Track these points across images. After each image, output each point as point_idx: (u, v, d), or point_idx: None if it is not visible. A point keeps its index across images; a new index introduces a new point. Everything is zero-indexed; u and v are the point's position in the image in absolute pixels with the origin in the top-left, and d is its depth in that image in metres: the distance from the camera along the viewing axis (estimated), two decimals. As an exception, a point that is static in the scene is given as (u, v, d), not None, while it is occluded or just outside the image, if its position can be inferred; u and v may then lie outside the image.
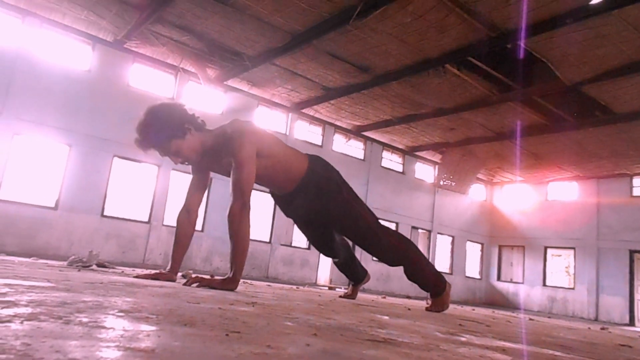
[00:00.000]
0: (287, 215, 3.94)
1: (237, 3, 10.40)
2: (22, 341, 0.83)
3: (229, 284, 2.93)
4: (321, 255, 17.24)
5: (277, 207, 3.84)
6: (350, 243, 4.23)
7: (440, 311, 3.88)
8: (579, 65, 11.21)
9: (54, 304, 1.30)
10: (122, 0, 11.00)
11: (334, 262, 4.45)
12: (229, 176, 3.20)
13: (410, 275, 3.84)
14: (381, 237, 3.65)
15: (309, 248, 16.86)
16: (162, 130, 3.04)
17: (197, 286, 2.84)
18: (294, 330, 1.37)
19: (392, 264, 3.88)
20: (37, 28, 12.06)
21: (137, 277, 3.53)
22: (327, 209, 3.58)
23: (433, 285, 3.84)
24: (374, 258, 4.04)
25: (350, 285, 4.62)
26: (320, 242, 4.15)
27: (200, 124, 3.23)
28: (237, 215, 3.00)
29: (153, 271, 3.73)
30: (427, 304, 4.01)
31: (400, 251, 3.72)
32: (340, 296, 4.54)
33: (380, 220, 3.80)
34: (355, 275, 4.51)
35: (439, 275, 3.88)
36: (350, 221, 3.61)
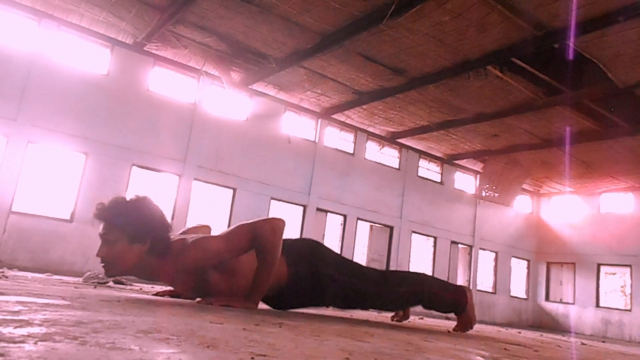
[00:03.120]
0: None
1: (263, 2, 10.49)
2: (35, 363, 0.83)
3: (249, 302, 2.92)
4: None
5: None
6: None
7: (469, 329, 3.84)
8: (633, 66, 11.01)
9: (69, 324, 1.31)
10: (142, 1, 11.20)
11: None
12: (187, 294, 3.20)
13: (429, 307, 3.83)
14: (393, 294, 3.65)
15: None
16: (124, 219, 2.90)
17: (214, 304, 2.84)
18: (325, 354, 1.36)
19: (407, 306, 3.96)
20: (53, 31, 12.34)
21: (156, 294, 3.55)
22: (326, 299, 3.53)
23: (453, 306, 3.82)
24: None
25: None
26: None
27: (162, 249, 2.98)
28: (270, 235, 3.00)
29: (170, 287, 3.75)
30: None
31: (415, 295, 3.73)
32: (392, 319, 4.49)
33: (392, 272, 3.91)
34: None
35: (457, 292, 3.82)
36: (356, 297, 3.54)
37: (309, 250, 3.53)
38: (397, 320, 4.33)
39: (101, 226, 2.94)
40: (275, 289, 3.27)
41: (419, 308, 3.94)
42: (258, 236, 2.97)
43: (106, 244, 2.92)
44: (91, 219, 3.00)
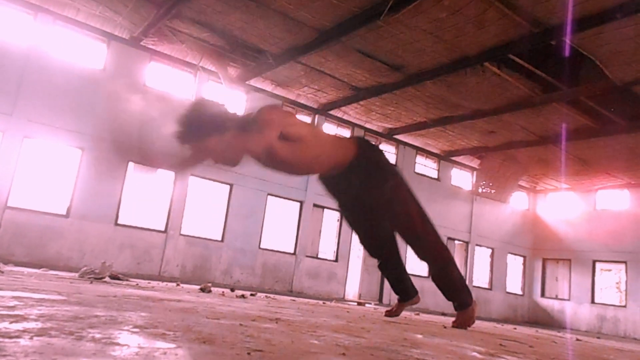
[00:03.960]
0: (335, 199, 4.13)
1: (260, -2, 10.47)
2: (31, 358, 0.83)
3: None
4: (350, 267, 17.23)
5: (327, 190, 3.97)
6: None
7: (466, 327, 3.87)
8: (631, 63, 11.01)
9: (65, 319, 1.31)
10: (138, -4, 11.16)
11: (379, 266, 4.45)
12: (278, 170, 3.49)
13: (437, 276, 3.95)
14: (421, 228, 3.91)
15: (336, 260, 16.84)
16: (206, 124, 3.12)
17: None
18: (321, 349, 1.36)
19: (426, 260, 4.07)
20: (49, 25, 12.29)
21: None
22: (373, 193, 3.75)
23: (458, 293, 3.89)
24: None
25: (397, 301, 4.60)
26: (367, 234, 4.27)
27: (241, 123, 3.29)
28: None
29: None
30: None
31: (437, 252, 3.97)
32: (385, 314, 4.52)
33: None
34: (403, 289, 4.51)
35: (466, 287, 4.00)
36: (394, 206, 3.82)
37: (380, 150, 3.91)
38: (390, 316, 4.36)
39: (196, 146, 3.20)
40: (341, 167, 3.60)
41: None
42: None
43: (214, 154, 3.21)
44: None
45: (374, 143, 3.91)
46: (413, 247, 4.01)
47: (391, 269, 4.44)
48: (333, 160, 3.58)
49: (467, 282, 4.13)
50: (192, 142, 3.18)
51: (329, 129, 17.15)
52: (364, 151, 3.67)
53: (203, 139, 3.14)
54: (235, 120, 3.26)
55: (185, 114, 3.15)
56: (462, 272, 20.50)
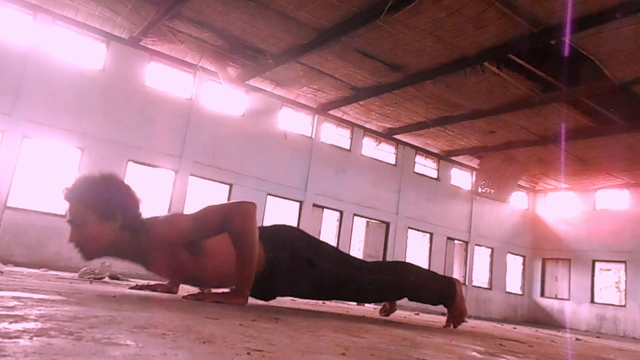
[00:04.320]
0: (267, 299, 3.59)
1: (259, -3, 10.48)
2: (31, 358, 0.83)
3: (238, 298, 2.79)
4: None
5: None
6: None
7: (460, 323, 3.75)
8: (630, 63, 11.03)
9: (64, 319, 1.31)
10: (138, -4, 11.17)
11: None
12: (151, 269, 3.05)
13: (415, 299, 3.70)
14: (373, 282, 3.47)
15: (335, 260, 16.83)
16: (93, 197, 2.76)
17: (204, 301, 2.72)
18: (321, 349, 1.36)
19: (395, 299, 3.82)
20: (49, 25, 12.30)
21: (133, 287, 3.48)
22: (305, 287, 3.35)
23: (441, 297, 3.70)
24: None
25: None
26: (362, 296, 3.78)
27: (135, 224, 2.87)
28: (240, 222, 2.82)
29: (152, 282, 3.68)
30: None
31: (400, 284, 3.56)
32: (382, 315, 4.47)
33: (374, 261, 3.74)
34: None
35: (444, 282, 3.66)
36: (334, 285, 3.39)
37: (286, 235, 3.39)
38: (384, 315, 4.31)
39: (67, 210, 2.78)
40: (254, 276, 3.05)
41: (414, 303, 3.86)
42: (228, 222, 2.81)
43: (76, 228, 2.78)
44: (62, 206, 2.89)
45: (280, 236, 3.36)
46: (379, 299, 3.75)
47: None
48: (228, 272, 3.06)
49: (438, 273, 3.85)
50: (72, 202, 2.78)
51: (329, 129, 17.16)
52: (274, 254, 3.18)
53: (82, 208, 2.77)
54: (130, 216, 2.87)
55: (86, 179, 2.84)
56: (462, 271, 20.56)
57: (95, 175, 2.84)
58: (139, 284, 3.78)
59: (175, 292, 3.29)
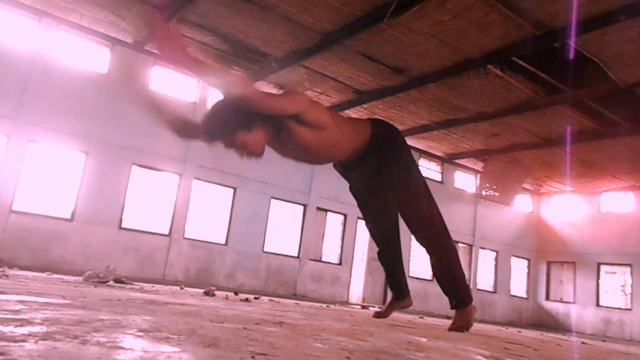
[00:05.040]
0: (348, 181, 4.19)
1: (263, 1, 10.48)
2: (36, 362, 0.83)
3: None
4: (353, 270, 17.22)
5: (340, 174, 4.10)
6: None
7: (465, 330, 3.79)
8: (634, 65, 10.99)
9: (69, 323, 1.31)
10: (142, 0, 11.19)
11: (379, 253, 4.40)
12: (300, 159, 3.55)
13: (439, 270, 3.93)
14: (430, 218, 3.95)
15: (340, 263, 16.83)
16: (228, 121, 3.09)
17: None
18: (325, 353, 1.36)
19: (428, 246, 4.06)
20: (53, 30, 12.34)
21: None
22: (387, 174, 3.78)
23: (459, 291, 3.83)
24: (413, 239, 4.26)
25: (389, 300, 4.55)
26: (374, 219, 4.28)
27: (269, 117, 3.23)
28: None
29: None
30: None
31: (442, 240, 3.95)
32: (374, 315, 4.48)
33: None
34: (398, 286, 4.43)
35: (467, 285, 3.99)
36: (406, 188, 3.89)
37: (396, 129, 3.88)
38: (377, 316, 4.33)
39: (224, 144, 3.16)
40: (356, 151, 3.62)
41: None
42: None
43: (238, 148, 3.16)
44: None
45: (389, 123, 3.90)
46: (417, 231, 4.03)
47: (391, 257, 4.39)
48: (352, 146, 3.59)
49: (469, 285, 4.12)
50: (216, 139, 3.19)
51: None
52: (378, 133, 3.68)
53: (227, 135, 3.15)
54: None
55: (207, 112, 3.20)
56: (467, 275, 20.51)
57: (217, 106, 3.17)
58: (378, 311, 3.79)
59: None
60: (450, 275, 3.87)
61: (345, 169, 3.94)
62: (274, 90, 15.13)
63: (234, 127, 3.09)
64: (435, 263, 3.92)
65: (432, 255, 4.00)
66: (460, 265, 4.00)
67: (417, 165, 3.97)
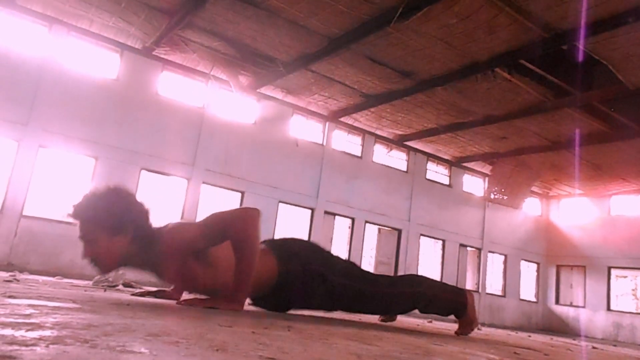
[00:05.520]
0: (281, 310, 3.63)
1: (270, 6, 10.51)
2: (47, 366, 0.84)
3: (233, 303, 2.76)
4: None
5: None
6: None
7: (471, 332, 3.76)
8: (644, 67, 10.97)
9: (79, 327, 1.32)
10: (151, 6, 11.25)
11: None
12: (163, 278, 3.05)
13: (426, 311, 3.70)
14: (385, 295, 3.51)
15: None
16: (104, 211, 2.75)
17: (197, 306, 2.72)
18: (334, 357, 1.36)
19: (406, 311, 3.80)
20: (64, 36, 12.43)
21: (135, 294, 3.50)
22: (317, 299, 3.37)
23: (452, 308, 3.71)
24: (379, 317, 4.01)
25: None
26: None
27: (145, 235, 2.86)
28: (241, 227, 2.84)
29: (154, 288, 3.68)
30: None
31: (411, 296, 3.57)
32: (380, 319, 4.47)
33: (386, 275, 3.76)
34: None
35: (455, 293, 3.69)
36: (346, 298, 3.42)
37: (299, 248, 3.41)
38: (382, 321, 4.29)
39: (78, 227, 2.79)
40: (267, 288, 3.15)
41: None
42: (230, 227, 2.83)
43: (89, 244, 2.78)
44: (70, 220, 2.84)
45: (294, 249, 3.37)
46: (391, 312, 3.82)
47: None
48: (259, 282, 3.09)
49: (449, 284, 3.89)
50: (80, 221, 2.80)
51: (340, 136, 17.17)
52: (286, 267, 3.20)
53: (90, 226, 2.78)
54: (141, 228, 2.85)
55: (94, 194, 2.83)
56: (475, 279, 20.45)
57: (101, 190, 2.84)
58: (139, 291, 3.78)
59: (178, 299, 3.25)
60: (438, 305, 3.73)
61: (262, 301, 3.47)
62: (280, 95, 15.19)
63: (105, 224, 2.75)
64: (422, 309, 3.74)
65: (414, 308, 3.79)
66: (438, 287, 3.74)
67: (344, 270, 3.44)
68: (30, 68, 11.97)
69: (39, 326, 1.25)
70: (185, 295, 3.27)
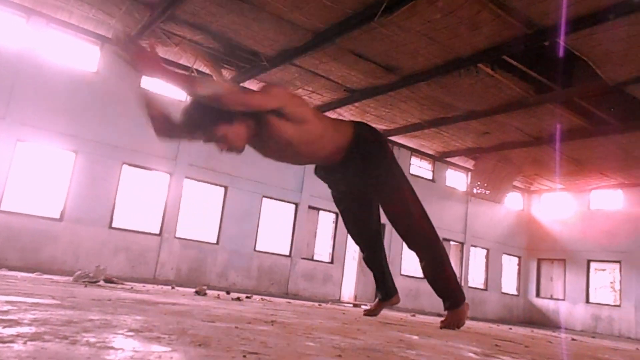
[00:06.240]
0: (330, 187, 4.12)
1: (254, 0, 10.46)
2: (25, 363, 0.82)
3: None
4: (345, 269, 17.23)
5: (323, 180, 4.03)
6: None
7: (456, 327, 3.78)
8: (623, 64, 11.05)
9: (59, 323, 1.30)
10: (132, -2, 11.14)
11: (365, 259, 4.44)
12: (281, 157, 3.57)
13: (431, 272, 3.83)
14: (416, 219, 3.86)
15: (332, 262, 16.83)
16: (209, 113, 3.05)
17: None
18: (317, 351, 1.36)
19: (417, 249, 3.98)
20: (42, 28, 12.26)
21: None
22: (371, 175, 3.70)
23: (452, 292, 3.77)
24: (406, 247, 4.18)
25: (376, 300, 4.56)
26: (358, 225, 4.26)
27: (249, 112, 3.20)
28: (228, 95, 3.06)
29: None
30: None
31: (432, 244, 3.87)
32: (364, 313, 4.49)
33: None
34: (384, 287, 4.46)
35: (459, 286, 3.90)
36: (390, 190, 3.79)
37: (377, 131, 3.90)
38: (368, 314, 4.32)
39: (202, 136, 3.16)
40: (340, 152, 3.57)
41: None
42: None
43: (219, 141, 3.11)
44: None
45: (372, 126, 3.86)
46: (407, 235, 3.94)
47: (378, 262, 4.42)
48: (334, 144, 3.55)
49: (460, 283, 4.06)
50: (196, 131, 3.17)
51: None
52: (361, 134, 3.65)
53: (207, 127, 3.10)
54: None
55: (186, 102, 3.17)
56: (458, 273, 20.57)
57: (185, 104, 3.19)
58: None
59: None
60: (441, 277, 3.80)
61: (327, 172, 3.89)
62: (264, 89, 15.08)
63: (215, 119, 3.05)
64: (426, 266, 3.83)
65: (422, 258, 3.91)
66: (451, 266, 3.94)
67: (400, 168, 3.89)
68: (8, 60, 11.80)
69: (17, 323, 1.23)
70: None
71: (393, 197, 3.81)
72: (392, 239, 18.13)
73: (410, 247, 3.98)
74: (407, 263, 18.65)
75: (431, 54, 11.74)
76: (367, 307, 4.40)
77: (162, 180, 13.97)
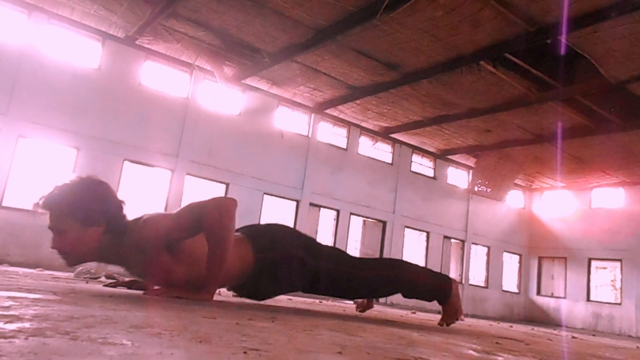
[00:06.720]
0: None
1: (255, -4, 10.47)
2: (27, 358, 0.82)
3: (203, 293, 2.70)
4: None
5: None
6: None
7: (454, 321, 3.68)
8: (625, 61, 11.05)
9: (60, 319, 1.30)
10: (134, -5, 11.14)
11: None
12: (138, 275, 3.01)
13: (409, 295, 3.65)
14: (366, 278, 3.42)
15: (331, 259, 16.83)
16: (77, 202, 2.72)
17: (164, 295, 2.65)
18: (318, 348, 1.36)
19: (388, 295, 3.77)
20: (44, 24, 12.25)
21: (107, 285, 3.45)
22: (296, 284, 3.27)
23: (435, 293, 3.61)
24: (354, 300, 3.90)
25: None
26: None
27: (118, 228, 2.78)
28: (217, 216, 2.74)
29: (127, 278, 3.59)
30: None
31: (393, 280, 3.48)
32: (358, 310, 4.39)
33: (367, 258, 3.70)
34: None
35: (439, 278, 3.58)
36: (327, 281, 3.32)
37: (277, 235, 3.33)
38: (360, 310, 4.22)
39: (49, 217, 2.76)
40: (244, 277, 3.06)
41: (410, 302, 3.89)
42: (203, 216, 2.73)
43: (59, 234, 2.74)
44: (33, 210, 2.81)
45: (270, 236, 3.31)
46: (374, 296, 3.75)
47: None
48: (237, 269, 3.02)
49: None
50: (49, 211, 2.80)
51: (325, 128, 17.15)
52: (262, 254, 3.10)
53: (62, 215, 2.76)
54: (115, 220, 2.77)
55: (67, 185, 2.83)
56: (459, 270, 20.58)
57: (74, 180, 2.80)
58: (111, 282, 3.72)
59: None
60: (420, 289, 3.64)
61: (240, 289, 3.37)
62: (265, 86, 15.12)
63: (77, 215, 2.71)
64: (406, 294, 3.68)
65: (396, 292, 3.73)
66: (421, 270, 3.63)
67: (317, 252, 3.35)
68: (9, 56, 11.80)
69: (18, 318, 1.23)
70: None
71: (331, 284, 3.36)
72: (392, 236, 18.14)
73: (382, 296, 3.84)
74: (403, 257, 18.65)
75: (433, 51, 11.73)
76: (359, 301, 4.25)
77: (163, 176, 13.97)
